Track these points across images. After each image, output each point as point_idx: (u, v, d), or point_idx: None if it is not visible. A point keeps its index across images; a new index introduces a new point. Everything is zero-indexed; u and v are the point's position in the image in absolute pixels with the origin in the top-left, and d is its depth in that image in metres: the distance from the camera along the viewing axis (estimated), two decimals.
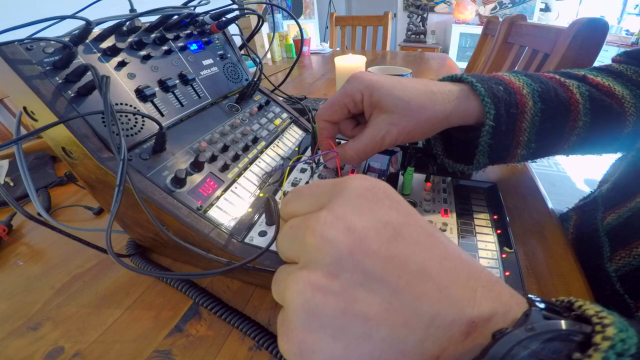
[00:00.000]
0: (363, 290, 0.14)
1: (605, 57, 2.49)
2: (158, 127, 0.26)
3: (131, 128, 0.28)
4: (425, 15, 3.69)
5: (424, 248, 0.15)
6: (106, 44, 0.29)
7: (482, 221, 0.32)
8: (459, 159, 0.35)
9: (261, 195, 0.32)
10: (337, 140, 0.36)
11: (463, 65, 1.88)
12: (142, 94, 0.29)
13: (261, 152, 0.36)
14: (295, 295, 0.14)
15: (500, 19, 1.09)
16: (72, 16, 0.25)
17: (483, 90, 0.30)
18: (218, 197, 0.29)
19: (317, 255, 0.14)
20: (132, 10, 0.33)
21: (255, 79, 0.40)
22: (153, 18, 0.33)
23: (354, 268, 0.14)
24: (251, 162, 0.34)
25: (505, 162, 0.34)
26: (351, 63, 0.70)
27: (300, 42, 0.55)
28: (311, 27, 2.95)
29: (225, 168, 0.31)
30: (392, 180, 0.37)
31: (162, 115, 0.31)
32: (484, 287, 0.14)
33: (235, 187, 0.31)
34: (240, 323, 0.26)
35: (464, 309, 0.13)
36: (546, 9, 3.39)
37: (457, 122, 0.31)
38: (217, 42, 0.41)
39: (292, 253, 0.17)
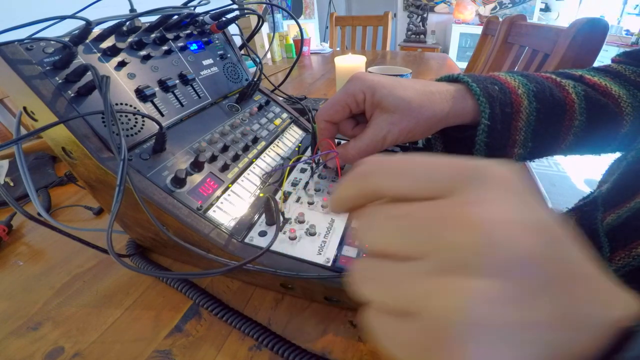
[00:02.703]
0: (531, 296, 0.13)
1: (605, 57, 2.49)
2: (158, 127, 0.26)
3: (131, 128, 0.28)
4: (425, 15, 3.69)
5: (577, 250, 0.14)
6: (106, 44, 0.29)
7: None
8: None
9: (261, 195, 0.32)
10: (336, 140, 0.36)
11: (463, 65, 1.88)
12: (142, 94, 0.29)
13: (261, 152, 0.36)
14: (456, 306, 0.12)
15: (500, 19, 1.09)
16: (72, 16, 0.25)
17: (478, 90, 0.30)
18: (218, 197, 0.29)
19: (482, 259, 0.13)
20: (132, 10, 0.33)
21: (255, 79, 0.40)
22: (153, 18, 0.33)
23: (523, 273, 0.13)
24: (251, 162, 0.34)
25: None
26: (351, 63, 0.70)
27: (300, 42, 0.55)
28: (311, 27, 2.94)
29: (225, 168, 0.31)
30: None
31: (162, 115, 0.31)
32: (609, 284, 0.14)
33: (235, 187, 0.31)
34: (240, 323, 0.26)
35: (612, 311, 0.13)
36: (546, 9, 3.39)
37: (455, 122, 0.31)
38: (217, 42, 0.41)
39: (409, 247, 0.14)
